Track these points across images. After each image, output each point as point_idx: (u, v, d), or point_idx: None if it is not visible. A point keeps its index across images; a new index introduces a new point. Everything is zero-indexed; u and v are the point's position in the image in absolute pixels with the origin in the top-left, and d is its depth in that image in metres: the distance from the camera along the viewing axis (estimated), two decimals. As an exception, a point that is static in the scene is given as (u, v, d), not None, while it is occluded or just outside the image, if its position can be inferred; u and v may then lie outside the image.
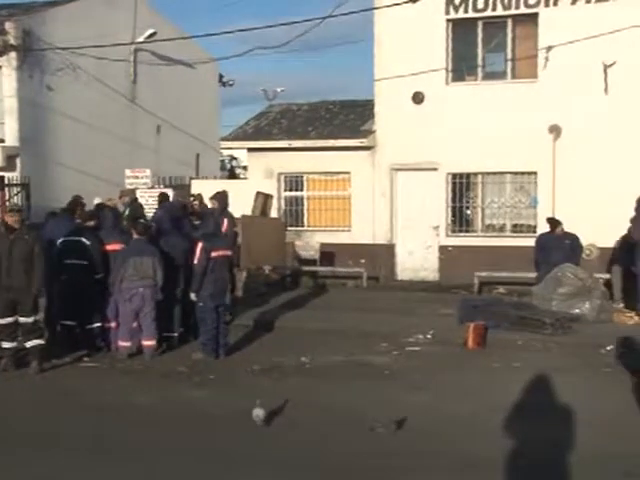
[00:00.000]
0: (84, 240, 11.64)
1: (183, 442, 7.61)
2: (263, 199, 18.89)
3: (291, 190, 20.41)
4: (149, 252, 11.47)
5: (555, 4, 17.37)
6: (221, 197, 14.07)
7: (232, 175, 32.55)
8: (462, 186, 18.76)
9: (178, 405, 9.07)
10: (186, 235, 12.60)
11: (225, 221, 13.48)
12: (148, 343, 11.42)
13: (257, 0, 64.79)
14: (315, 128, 20.80)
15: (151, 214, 14.82)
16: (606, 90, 16.96)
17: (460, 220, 18.87)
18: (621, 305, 14.78)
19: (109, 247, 11.79)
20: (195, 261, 11.28)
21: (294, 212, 20.39)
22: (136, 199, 17.32)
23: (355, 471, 6.81)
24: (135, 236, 11.66)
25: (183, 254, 11.97)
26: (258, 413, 8.02)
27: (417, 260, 19.12)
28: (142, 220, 12.61)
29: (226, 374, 10.52)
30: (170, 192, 17.78)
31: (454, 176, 18.71)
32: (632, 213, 14.54)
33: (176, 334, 12.05)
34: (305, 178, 20.27)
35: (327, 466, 6.94)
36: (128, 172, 20.47)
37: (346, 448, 7.39)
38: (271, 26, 34.34)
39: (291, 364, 11.03)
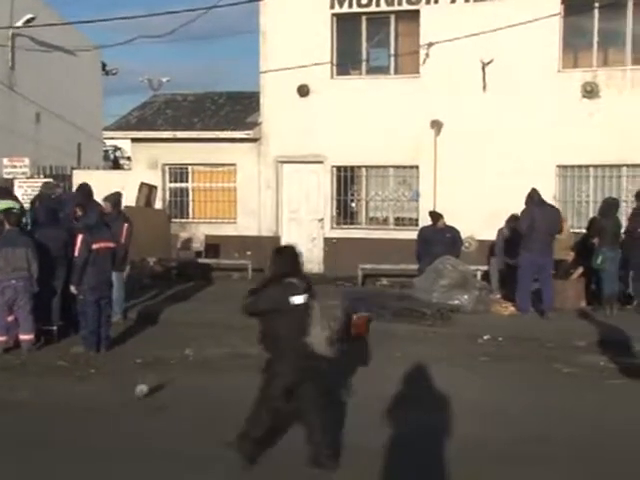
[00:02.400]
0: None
1: (62, 437, 7.48)
2: (147, 190, 18.62)
3: (176, 181, 20.19)
4: (22, 243, 11.10)
5: (436, 2, 17.71)
6: (115, 199, 13.59)
7: (116, 165, 31.93)
8: (346, 179, 18.95)
9: (58, 400, 8.86)
10: (67, 227, 12.29)
11: (125, 227, 13.09)
12: (25, 337, 11.12)
13: (141, -13, 63.62)
14: (201, 119, 20.63)
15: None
16: (484, 87, 17.43)
17: (344, 213, 19.07)
18: (498, 296, 15.25)
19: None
20: (75, 253, 11.03)
21: (179, 203, 20.18)
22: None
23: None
24: (7, 227, 11.27)
25: (63, 246, 11.69)
26: (142, 388, 8.60)
27: (302, 252, 19.14)
28: (15, 210, 12.15)
29: (107, 368, 10.35)
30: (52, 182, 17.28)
31: (339, 169, 18.88)
32: (510, 207, 15.03)
33: (55, 327, 11.77)
34: (190, 169, 20.09)
35: (195, 455, 6.92)
36: (5, 161, 19.81)
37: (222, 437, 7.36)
38: (154, 14, 33.71)
39: (174, 357, 10.93)
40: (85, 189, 13.62)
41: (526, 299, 13.92)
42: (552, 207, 14.69)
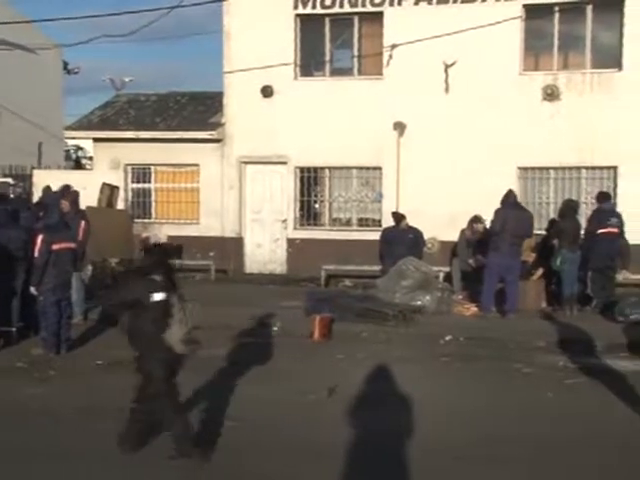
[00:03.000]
0: None
1: (20, 440, 7.39)
2: (109, 191, 18.53)
3: (138, 182, 20.10)
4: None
5: (399, 4, 17.83)
6: (72, 197, 13.46)
7: (78, 165, 31.67)
8: (310, 180, 18.99)
9: (16, 402, 8.77)
10: (26, 227, 12.16)
11: (82, 224, 13.00)
12: (-16, 339, 11.01)
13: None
14: (163, 119, 20.54)
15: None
16: (447, 89, 17.57)
17: (308, 214, 19.11)
18: (460, 297, 15.36)
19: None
20: (35, 254, 10.93)
21: (141, 204, 20.09)
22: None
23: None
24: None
25: (22, 246, 11.57)
26: None
27: (265, 253, 19.24)
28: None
29: (68, 370, 10.25)
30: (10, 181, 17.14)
31: (302, 170, 18.91)
32: (473, 208, 15.16)
33: (14, 329, 11.63)
34: (153, 170, 20.02)
35: (148, 457, 6.90)
36: (-36, 160, 19.60)
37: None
38: (116, 14, 33.55)
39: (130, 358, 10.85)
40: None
41: (491, 299, 14.03)
42: (525, 210, 14.76)
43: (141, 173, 20.07)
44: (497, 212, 14.01)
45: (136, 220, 19.44)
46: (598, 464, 6.80)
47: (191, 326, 6.91)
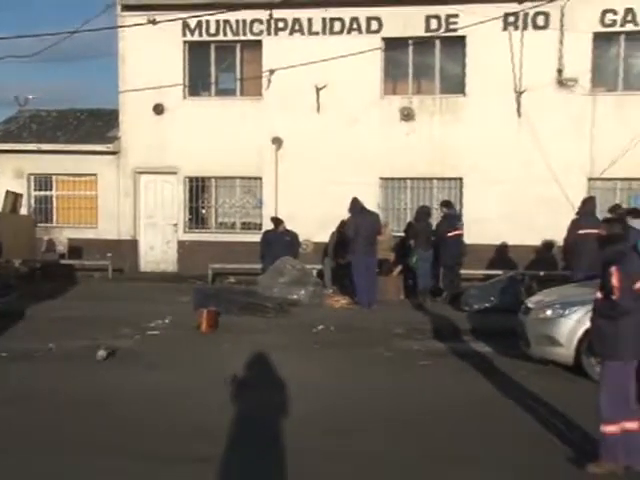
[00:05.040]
0: None
1: None
2: (13, 198, 17.94)
3: (41, 190, 19.53)
4: None
5: (276, 34, 17.88)
6: None
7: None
8: (198, 188, 18.83)
9: None
10: None
11: None
12: None
13: (8, 9, 60.58)
14: (64, 133, 19.98)
15: None
16: (318, 109, 17.74)
17: (196, 218, 18.94)
18: (330, 291, 15.52)
19: None
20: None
21: (44, 210, 19.50)
22: None
23: (94, 444, 6.66)
24: None
25: None
26: (102, 354, 9.81)
27: (158, 254, 18.97)
28: None
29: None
30: None
31: (191, 179, 18.74)
32: (341, 213, 15.31)
33: None
34: (54, 179, 19.46)
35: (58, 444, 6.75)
36: None
37: (83, 426, 7.20)
38: (22, 36, 32.16)
39: (39, 350, 10.54)
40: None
41: (362, 294, 14.16)
42: (372, 213, 15.02)
43: (43, 182, 19.48)
44: (348, 220, 14.25)
45: (39, 225, 18.88)
46: (446, 432, 7.03)
47: None
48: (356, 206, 14.25)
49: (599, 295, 6.00)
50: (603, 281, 5.92)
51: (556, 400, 7.81)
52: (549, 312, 9.36)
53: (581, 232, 12.11)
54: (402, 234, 16.01)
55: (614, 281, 5.77)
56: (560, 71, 16.92)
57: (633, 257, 6.03)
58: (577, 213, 12.90)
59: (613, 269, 5.80)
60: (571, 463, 6.14)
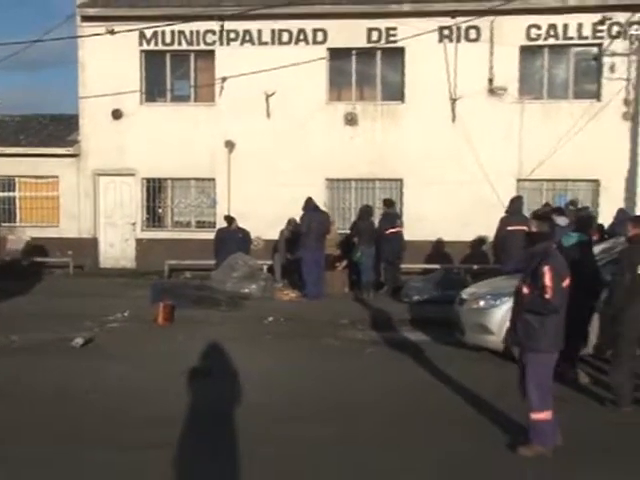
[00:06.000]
0: None
1: None
2: (-24, 199, 17.43)
3: (4, 191, 19.02)
4: None
5: (228, 44, 17.73)
6: None
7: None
8: (155, 189, 18.59)
9: None
10: None
11: None
12: None
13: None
14: (26, 137, 19.50)
15: None
16: (268, 114, 17.66)
17: (153, 217, 18.69)
18: (280, 285, 15.48)
19: None
20: None
21: (7, 210, 19.02)
22: None
23: (51, 433, 6.51)
24: None
25: None
26: (78, 340, 9.84)
27: (117, 251, 18.69)
28: None
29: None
30: None
31: (148, 180, 18.49)
32: (289, 212, 15.30)
33: None
34: (17, 180, 18.98)
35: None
36: None
37: (39, 417, 7.03)
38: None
39: (1, 342, 10.28)
40: None
41: (311, 287, 14.15)
42: (323, 212, 15.10)
43: (6, 183, 19.00)
44: (302, 217, 14.34)
45: (3, 224, 18.43)
46: (390, 412, 7.05)
47: None
48: (310, 204, 14.38)
49: (525, 290, 5.94)
50: (532, 277, 5.85)
51: (487, 384, 7.90)
52: (482, 303, 9.47)
53: (510, 228, 12.31)
54: (347, 231, 16.03)
55: (547, 281, 5.70)
56: (491, 80, 17.15)
57: (560, 255, 6.06)
58: (506, 211, 13.09)
59: (546, 269, 5.72)
60: (503, 446, 6.19)
